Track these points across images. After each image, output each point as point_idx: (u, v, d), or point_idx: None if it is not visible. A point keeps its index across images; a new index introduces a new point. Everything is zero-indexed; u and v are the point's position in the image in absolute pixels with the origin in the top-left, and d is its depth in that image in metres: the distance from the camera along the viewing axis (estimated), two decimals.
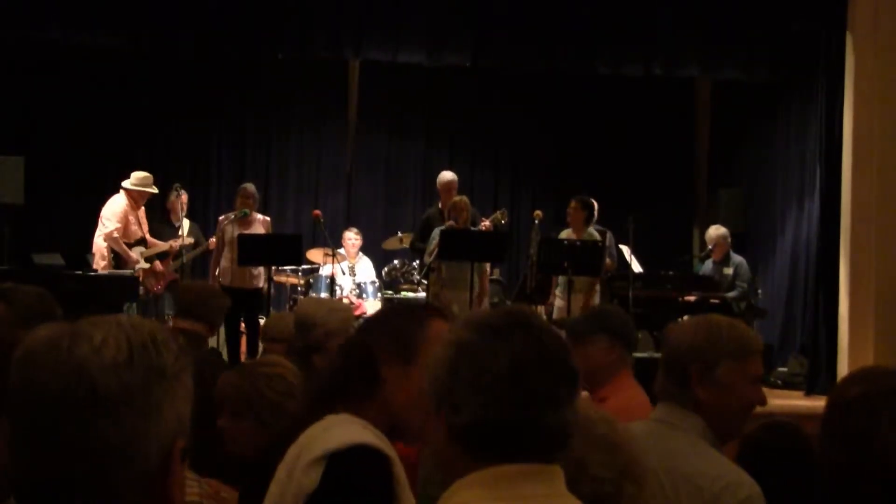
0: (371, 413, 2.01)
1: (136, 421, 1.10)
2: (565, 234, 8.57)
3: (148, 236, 8.81)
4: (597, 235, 8.57)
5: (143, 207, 8.81)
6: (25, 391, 1.10)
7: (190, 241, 9.00)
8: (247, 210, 8.39)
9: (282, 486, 1.95)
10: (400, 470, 1.93)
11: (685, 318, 8.66)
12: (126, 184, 8.68)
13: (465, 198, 8.67)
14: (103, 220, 8.59)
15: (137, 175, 8.70)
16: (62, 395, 1.08)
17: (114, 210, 8.58)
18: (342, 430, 1.95)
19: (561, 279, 8.40)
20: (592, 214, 8.69)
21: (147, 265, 8.57)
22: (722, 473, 2.24)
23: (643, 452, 2.17)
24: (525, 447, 1.41)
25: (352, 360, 2.08)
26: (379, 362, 2.04)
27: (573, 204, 8.58)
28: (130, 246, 8.57)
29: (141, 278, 8.52)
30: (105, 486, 1.09)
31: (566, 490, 1.45)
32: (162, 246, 8.84)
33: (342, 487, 1.87)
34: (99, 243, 8.60)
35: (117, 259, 8.51)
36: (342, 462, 1.88)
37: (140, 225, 8.72)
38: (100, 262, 8.54)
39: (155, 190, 8.79)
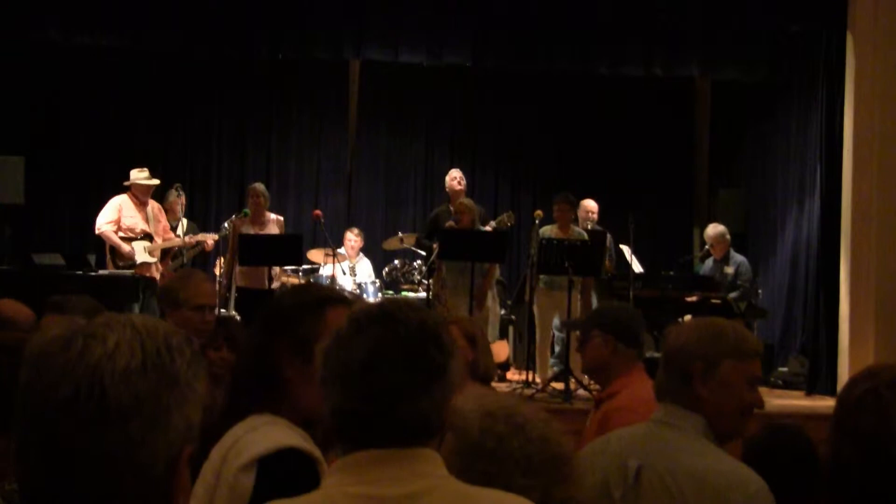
0: (284, 412, 2.04)
1: (144, 429, 1.07)
2: (549, 230, 8.53)
3: (158, 234, 8.69)
4: (584, 234, 8.59)
5: (156, 204, 8.75)
6: (34, 393, 1.07)
7: (208, 237, 8.96)
8: (247, 210, 8.41)
9: (210, 489, 1.97)
10: (325, 470, 1.96)
11: (687, 318, 8.67)
12: (126, 183, 8.71)
13: (469, 200, 8.68)
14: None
15: (133, 171, 8.72)
16: (71, 400, 1.05)
17: (106, 207, 8.60)
18: (268, 433, 1.98)
19: (542, 278, 8.38)
20: (577, 214, 8.85)
21: (153, 260, 8.53)
22: (728, 469, 2.27)
23: (632, 454, 2.18)
24: (378, 436, 1.46)
25: (255, 366, 2.10)
26: (281, 364, 2.06)
27: (561, 205, 8.57)
28: (132, 240, 8.54)
29: (154, 274, 8.49)
30: (110, 492, 1.07)
31: (435, 471, 1.48)
32: (175, 241, 8.82)
33: (274, 492, 1.87)
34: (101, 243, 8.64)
35: (114, 253, 8.51)
36: (272, 466, 1.92)
37: (148, 221, 8.66)
38: (107, 260, 8.60)
39: (151, 181, 8.71)
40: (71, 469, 1.06)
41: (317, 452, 1.97)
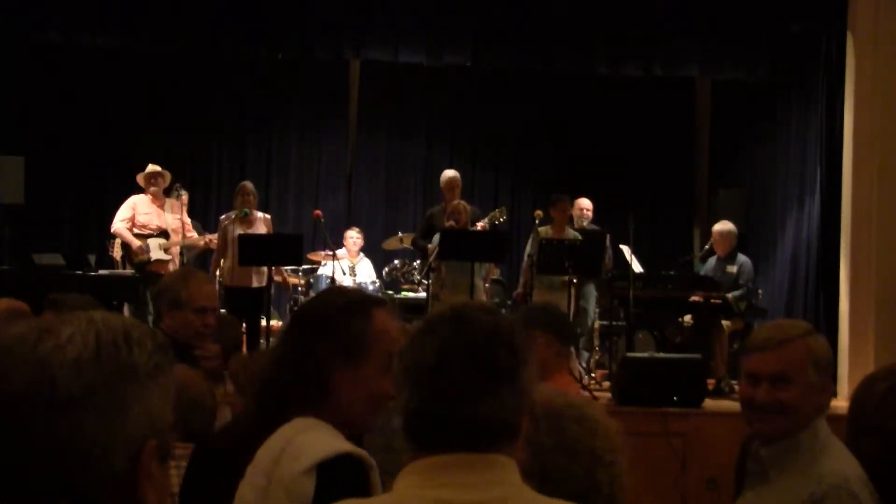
0: (325, 415, 2.03)
1: (98, 420, 1.06)
2: (545, 230, 8.53)
3: (177, 231, 8.67)
4: (578, 235, 8.61)
5: (175, 203, 8.77)
6: None
7: (213, 238, 8.96)
8: (247, 209, 8.38)
9: (259, 491, 1.95)
10: (377, 476, 1.96)
11: (687, 318, 8.67)
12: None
13: (463, 202, 8.68)
14: None
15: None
16: (24, 392, 1.05)
17: (122, 206, 8.71)
18: (321, 437, 1.97)
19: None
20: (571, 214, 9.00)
21: (168, 257, 8.56)
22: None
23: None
24: (448, 439, 1.45)
25: (301, 370, 2.06)
26: (326, 368, 2.04)
27: (562, 204, 8.58)
28: (147, 237, 8.57)
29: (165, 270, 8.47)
30: (68, 484, 1.06)
31: (509, 478, 1.47)
32: (195, 240, 8.85)
33: (334, 498, 1.86)
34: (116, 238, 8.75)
35: (126, 250, 8.57)
36: (332, 472, 1.91)
37: (161, 217, 8.67)
38: (116, 257, 8.68)
39: (148, 170, 8.77)
40: (25, 461, 1.05)
41: (370, 458, 1.96)
